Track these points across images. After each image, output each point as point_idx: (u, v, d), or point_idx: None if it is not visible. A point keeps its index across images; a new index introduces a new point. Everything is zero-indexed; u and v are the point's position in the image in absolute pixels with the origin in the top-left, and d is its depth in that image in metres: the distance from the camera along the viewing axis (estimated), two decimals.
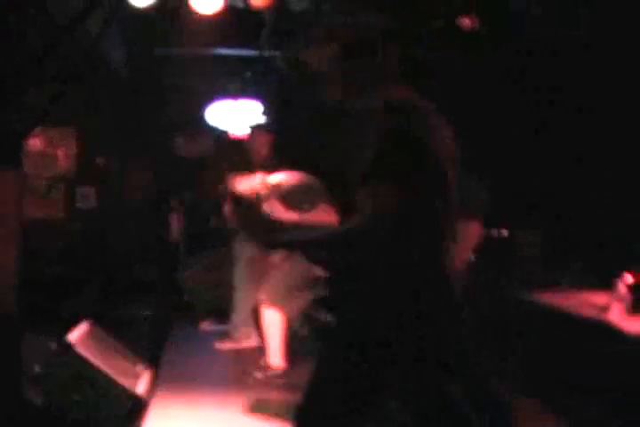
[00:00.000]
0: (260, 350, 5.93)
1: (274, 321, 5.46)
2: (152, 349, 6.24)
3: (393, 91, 2.76)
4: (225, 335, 6.71)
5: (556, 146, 7.22)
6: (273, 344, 5.50)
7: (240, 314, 6.58)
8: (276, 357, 5.50)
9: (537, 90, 7.27)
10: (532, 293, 5.45)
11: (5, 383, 3.96)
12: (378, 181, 2.48)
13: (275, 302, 5.44)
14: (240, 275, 6.60)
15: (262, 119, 8.23)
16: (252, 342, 6.56)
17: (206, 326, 7.21)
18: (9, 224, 3.60)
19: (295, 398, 5.00)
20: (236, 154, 7.20)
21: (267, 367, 5.51)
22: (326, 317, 5.61)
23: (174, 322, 7.43)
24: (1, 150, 2.44)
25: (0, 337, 3.77)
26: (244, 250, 6.55)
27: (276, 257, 5.74)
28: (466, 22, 6.58)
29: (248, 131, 6.96)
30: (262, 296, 5.52)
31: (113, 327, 5.91)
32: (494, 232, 6.74)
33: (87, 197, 9.04)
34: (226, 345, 6.59)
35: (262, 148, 6.54)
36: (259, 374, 5.49)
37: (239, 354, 6.43)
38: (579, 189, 6.84)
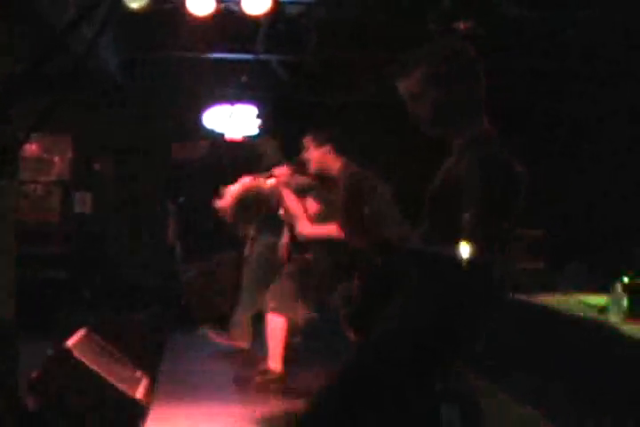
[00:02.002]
0: (258, 355, 5.96)
1: (277, 327, 5.46)
2: (150, 354, 6.22)
3: (485, 124, 2.76)
4: (225, 330, 6.71)
5: (559, 149, 7.24)
6: (274, 349, 5.50)
7: (242, 314, 6.58)
8: (275, 362, 5.50)
9: (535, 94, 7.29)
10: (531, 294, 5.43)
11: (2, 390, 3.93)
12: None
13: (281, 309, 5.44)
14: (252, 276, 6.60)
15: (259, 124, 8.26)
16: (245, 343, 6.56)
17: (204, 331, 7.19)
18: (6, 236, 3.58)
19: (293, 402, 5.04)
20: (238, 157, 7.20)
21: (266, 372, 5.50)
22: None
23: (172, 327, 7.41)
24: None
25: None
26: (262, 252, 6.56)
27: (292, 265, 5.74)
28: (461, 26, 6.58)
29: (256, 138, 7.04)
30: (269, 302, 5.52)
31: (110, 333, 5.90)
32: None
33: (83, 202, 9.03)
34: (218, 338, 6.59)
35: (274, 154, 6.66)
36: (258, 379, 5.49)
37: (238, 359, 6.41)
38: (579, 192, 6.84)
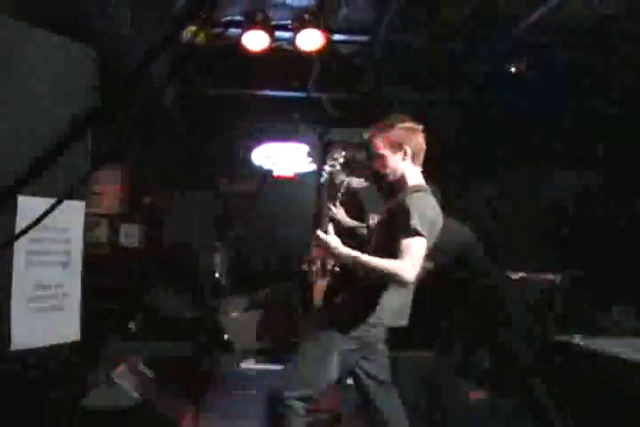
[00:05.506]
0: None
1: None
2: (196, 384, 6.26)
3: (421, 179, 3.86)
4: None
5: (601, 188, 7.22)
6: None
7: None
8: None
9: (586, 128, 7.32)
10: (579, 337, 5.40)
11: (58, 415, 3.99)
12: None
13: None
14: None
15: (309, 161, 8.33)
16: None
17: (247, 365, 7.21)
18: (79, 260, 3.66)
19: None
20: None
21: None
22: None
23: (216, 361, 7.45)
24: (72, 186, 2.63)
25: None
26: None
27: None
28: (513, 68, 6.64)
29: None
30: None
31: (156, 363, 5.95)
32: (539, 276, 6.72)
33: (130, 235, 9.11)
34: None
35: None
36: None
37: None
38: (623, 232, 6.81)
